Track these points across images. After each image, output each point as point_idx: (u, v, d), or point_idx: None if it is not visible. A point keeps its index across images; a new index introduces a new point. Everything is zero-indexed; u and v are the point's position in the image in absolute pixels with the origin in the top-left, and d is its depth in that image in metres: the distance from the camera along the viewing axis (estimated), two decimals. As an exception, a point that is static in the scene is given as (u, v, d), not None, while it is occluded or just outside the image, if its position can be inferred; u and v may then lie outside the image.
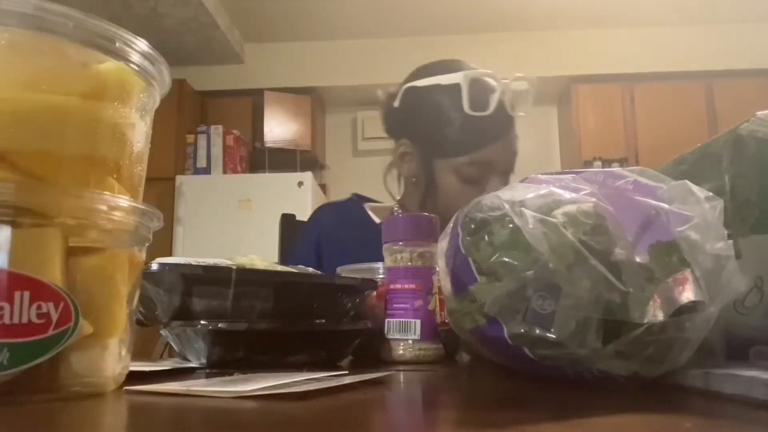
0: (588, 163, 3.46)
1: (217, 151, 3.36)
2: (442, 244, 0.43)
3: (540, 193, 0.37)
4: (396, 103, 0.96)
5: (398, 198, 1.02)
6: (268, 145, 3.42)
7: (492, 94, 0.87)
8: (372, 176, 1.09)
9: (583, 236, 0.34)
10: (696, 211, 0.35)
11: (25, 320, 0.28)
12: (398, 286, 0.55)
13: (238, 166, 3.37)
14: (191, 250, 3.02)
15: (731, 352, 0.37)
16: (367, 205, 1.05)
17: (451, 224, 0.43)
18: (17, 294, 0.28)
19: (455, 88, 0.87)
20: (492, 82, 0.89)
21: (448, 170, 0.91)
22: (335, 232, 1.00)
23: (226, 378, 0.39)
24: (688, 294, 0.34)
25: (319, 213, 1.08)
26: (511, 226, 0.35)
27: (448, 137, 0.90)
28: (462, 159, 0.90)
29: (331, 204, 1.13)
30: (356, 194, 1.08)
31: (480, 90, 0.88)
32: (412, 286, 0.54)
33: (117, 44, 0.34)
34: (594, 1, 3.33)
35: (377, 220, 1.00)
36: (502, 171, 0.92)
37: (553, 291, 0.33)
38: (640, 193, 0.38)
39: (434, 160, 0.93)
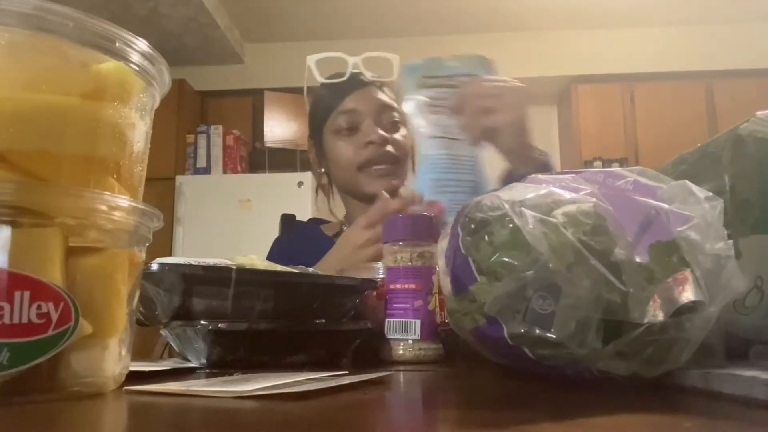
0: (588, 163, 3.46)
1: (217, 151, 3.35)
2: (442, 244, 0.43)
3: (540, 193, 0.37)
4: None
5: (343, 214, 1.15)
6: (268, 145, 3.42)
7: (341, 64, 1.00)
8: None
9: (583, 236, 0.34)
10: (696, 211, 0.35)
11: (25, 320, 0.28)
12: (398, 286, 0.55)
13: (238, 166, 3.37)
14: (191, 250, 3.02)
15: (731, 352, 0.37)
16: (321, 226, 1.18)
17: (451, 224, 0.43)
18: (17, 294, 0.28)
19: (310, 73, 1.00)
20: (338, 56, 1.00)
21: (329, 135, 1.05)
22: (295, 247, 1.12)
23: (226, 378, 0.39)
24: (688, 294, 0.34)
25: (280, 237, 1.24)
26: (511, 226, 0.35)
27: (319, 108, 1.06)
28: (332, 116, 1.03)
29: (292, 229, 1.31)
30: (313, 218, 1.26)
31: (330, 64, 1.01)
32: (412, 286, 0.54)
33: (117, 44, 0.34)
34: (594, 1, 3.33)
35: (329, 234, 1.13)
36: (373, 116, 1.02)
37: (553, 291, 0.33)
38: (640, 193, 0.38)
39: (322, 136, 1.07)
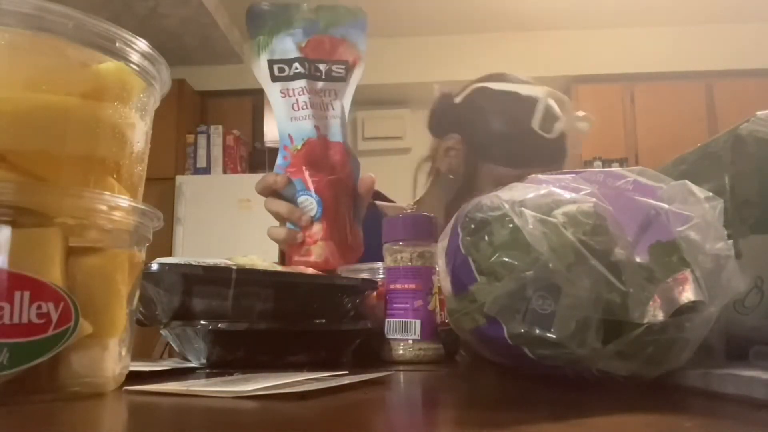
0: (588, 163, 3.46)
1: (217, 151, 3.36)
2: (442, 244, 0.43)
3: (540, 193, 0.37)
4: (458, 99, 0.98)
5: (419, 196, 1.06)
6: (268, 145, 3.42)
7: (558, 120, 0.89)
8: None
9: (583, 236, 0.34)
10: (696, 211, 0.35)
11: (25, 320, 0.28)
12: (398, 286, 0.55)
13: (238, 166, 3.37)
14: (191, 250, 3.02)
15: (731, 352, 0.37)
16: (378, 202, 1.06)
17: (450, 224, 0.43)
18: (17, 294, 0.28)
19: (531, 101, 0.89)
20: (559, 109, 0.91)
21: (490, 176, 0.92)
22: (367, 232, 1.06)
23: (226, 378, 0.39)
24: (688, 294, 0.34)
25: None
26: (511, 226, 0.35)
27: (504, 145, 0.92)
28: (508, 170, 0.91)
29: None
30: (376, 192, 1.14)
31: (550, 112, 0.90)
32: (412, 286, 0.54)
33: (117, 44, 0.34)
34: (594, 1, 3.33)
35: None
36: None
37: (553, 291, 0.33)
38: (640, 193, 0.38)
39: (480, 162, 0.94)
